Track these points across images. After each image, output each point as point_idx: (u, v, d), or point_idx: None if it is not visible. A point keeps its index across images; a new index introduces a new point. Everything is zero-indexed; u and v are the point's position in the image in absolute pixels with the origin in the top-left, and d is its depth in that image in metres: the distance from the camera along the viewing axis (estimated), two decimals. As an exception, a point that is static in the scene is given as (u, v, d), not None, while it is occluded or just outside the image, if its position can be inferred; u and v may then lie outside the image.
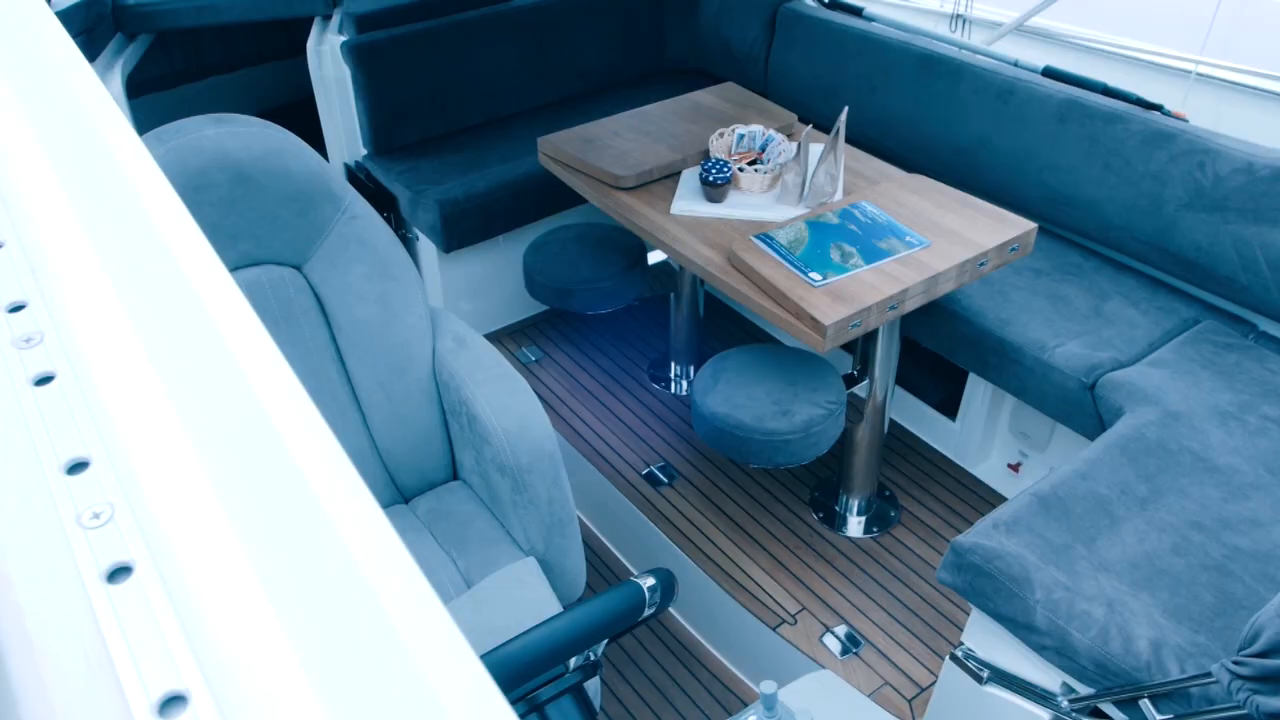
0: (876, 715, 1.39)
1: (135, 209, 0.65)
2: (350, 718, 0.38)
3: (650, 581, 1.20)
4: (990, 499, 2.78)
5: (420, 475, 2.15)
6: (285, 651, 0.40)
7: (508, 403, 1.92)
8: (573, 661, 1.24)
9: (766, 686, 1.21)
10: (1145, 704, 1.70)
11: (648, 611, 1.20)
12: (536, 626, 1.12)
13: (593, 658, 1.26)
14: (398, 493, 2.17)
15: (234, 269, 1.94)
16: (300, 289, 1.99)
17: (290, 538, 0.44)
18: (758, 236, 2.25)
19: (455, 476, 2.23)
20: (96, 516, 0.48)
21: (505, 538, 2.02)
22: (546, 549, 1.96)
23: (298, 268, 2.00)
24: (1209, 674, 1.59)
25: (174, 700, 0.40)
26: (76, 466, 0.51)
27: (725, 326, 3.43)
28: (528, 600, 1.82)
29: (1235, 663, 1.52)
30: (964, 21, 3.78)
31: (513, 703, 1.18)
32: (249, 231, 1.92)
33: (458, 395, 2.01)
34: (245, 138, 1.86)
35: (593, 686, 1.76)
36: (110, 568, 0.46)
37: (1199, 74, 4.66)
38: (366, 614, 0.41)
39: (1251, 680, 1.49)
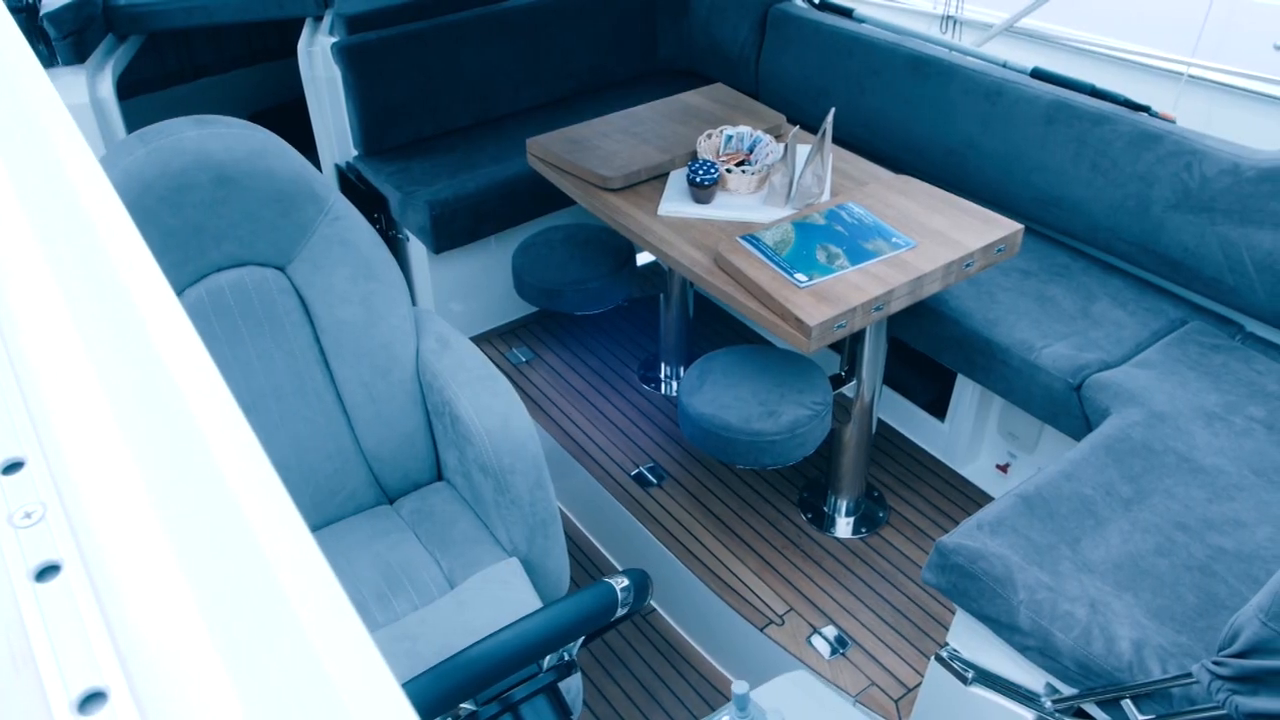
0: (851, 715, 1.39)
1: (77, 211, 0.65)
2: (266, 715, 0.38)
3: (624, 582, 1.20)
4: (979, 500, 2.78)
5: (405, 476, 2.15)
6: (207, 652, 0.40)
7: (490, 403, 1.92)
8: (546, 661, 1.24)
9: (739, 687, 1.21)
10: (1127, 704, 1.70)
11: (621, 611, 1.20)
12: (508, 626, 1.12)
13: (567, 658, 1.26)
14: (382, 493, 2.17)
15: (217, 270, 1.94)
16: (284, 290, 2.00)
17: (217, 544, 0.45)
18: (744, 238, 2.25)
19: (440, 477, 2.23)
20: (28, 516, 0.48)
21: (489, 538, 2.02)
22: (529, 549, 1.96)
23: (281, 269, 2.01)
24: (1189, 674, 1.59)
25: (94, 697, 0.40)
26: (11, 467, 0.51)
27: (715, 327, 3.44)
28: (510, 601, 1.82)
29: (1215, 663, 1.53)
30: (954, 23, 3.79)
31: (486, 702, 1.18)
32: (232, 232, 1.92)
33: (441, 396, 2.01)
34: (227, 139, 1.86)
35: (574, 686, 1.76)
36: (39, 566, 0.46)
37: (1191, 76, 4.67)
38: (286, 621, 0.41)
39: (1230, 680, 1.50)
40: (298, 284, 2.01)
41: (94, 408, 0.52)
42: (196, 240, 1.90)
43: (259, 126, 1.94)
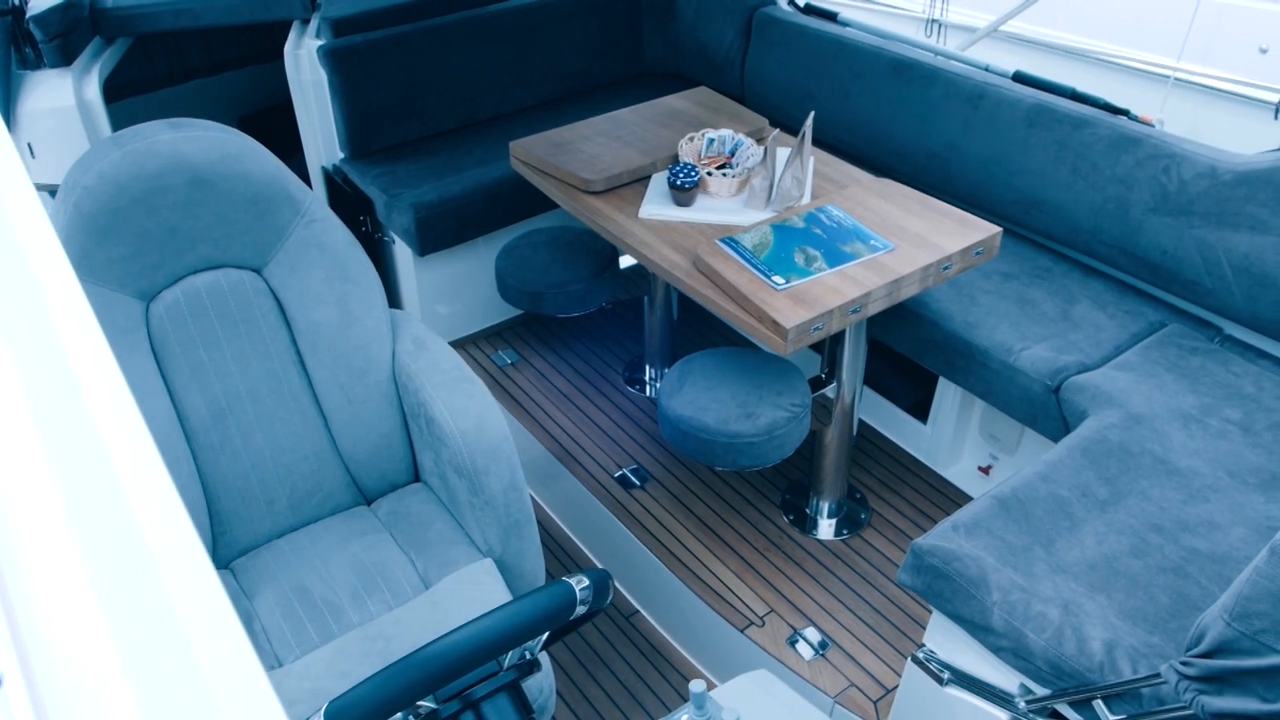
0: (810, 714, 1.40)
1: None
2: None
3: (584, 581, 1.21)
4: (960, 501, 2.79)
5: (382, 477, 2.16)
6: (106, 648, 0.41)
7: (465, 405, 1.93)
8: (507, 660, 1.25)
9: (695, 685, 1.22)
10: (1099, 704, 1.71)
11: (580, 610, 1.20)
12: (465, 625, 1.13)
13: (529, 656, 1.27)
14: (360, 494, 2.18)
15: (193, 272, 1.95)
16: (260, 292, 2.01)
17: (121, 565, 0.46)
18: (723, 240, 2.26)
19: (417, 478, 2.24)
20: None
21: (464, 539, 2.03)
22: (504, 550, 1.97)
23: (258, 271, 2.02)
24: (1158, 675, 1.60)
25: None
26: None
27: (699, 329, 3.45)
28: (483, 601, 1.83)
29: (1183, 663, 1.54)
30: (939, 26, 3.81)
31: (446, 700, 1.19)
32: (207, 235, 1.93)
33: (416, 397, 2.02)
34: (202, 142, 1.87)
35: (546, 686, 1.77)
36: None
37: (1177, 79, 4.69)
38: (178, 641, 0.42)
39: (1197, 680, 1.51)
40: (274, 286, 2.02)
41: (13, 422, 0.53)
42: (172, 242, 1.90)
43: (235, 130, 1.95)
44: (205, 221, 1.92)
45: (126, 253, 1.87)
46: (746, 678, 1.45)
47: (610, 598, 1.28)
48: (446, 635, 1.12)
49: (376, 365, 2.07)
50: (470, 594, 1.84)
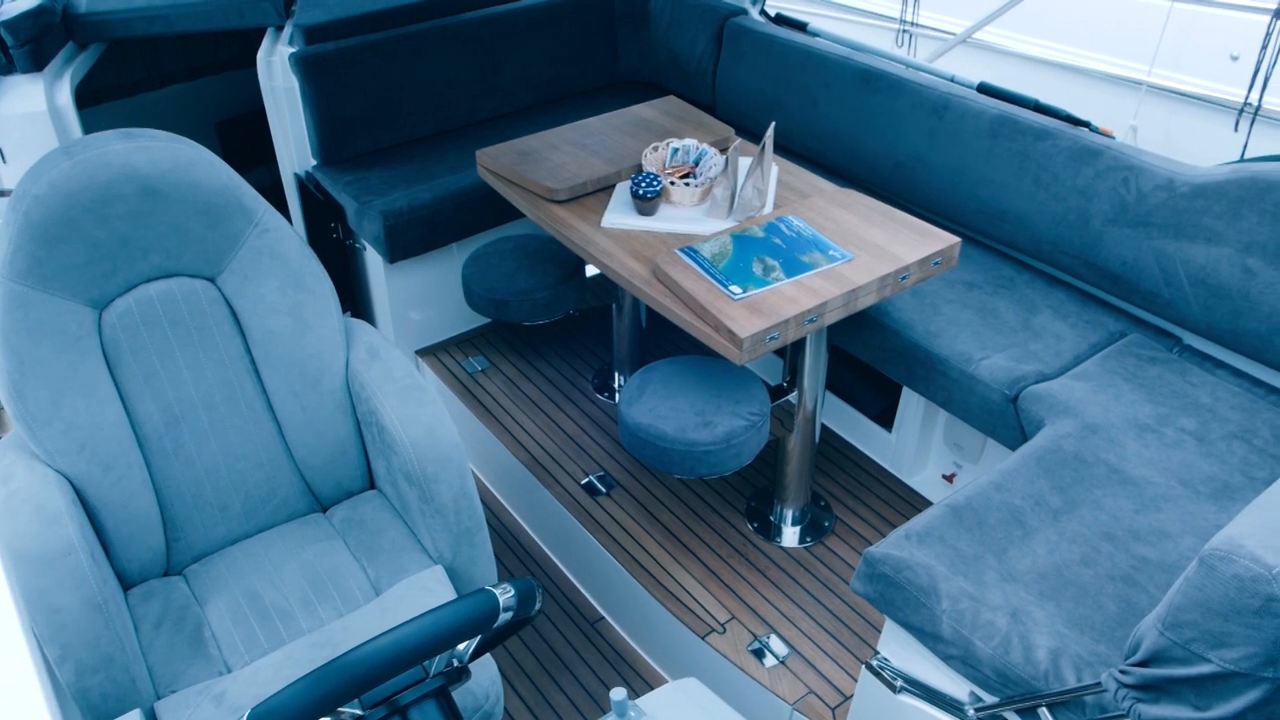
0: None
1: None
2: None
3: (508, 591, 1.22)
4: (924, 510, 2.80)
5: (337, 484, 2.17)
6: None
7: (415, 413, 1.94)
8: (434, 666, 1.26)
9: (616, 694, 1.23)
10: (1044, 712, 1.72)
11: (504, 617, 1.21)
12: (386, 632, 1.14)
13: (457, 663, 1.28)
14: (315, 501, 2.18)
15: (146, 280, 1.96)
16: (214, 300, 2.01)
17: None
18: (682, 250, 2.27)
19: (373, 485, 2.25)
20: None
21: (416, 546, 2.04)
22: (454, 557, 1.97)
23: (211, 279, 2.02)
24: (1099, 683, 1.61)
25: None
26: None
27: (669, 336, 3.46)
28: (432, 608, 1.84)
29: (1121, 672, 1.55)
30: (910, 37, 3.84)
31: (372, 705, 1.20)
32: (159, 244, 1.94)
33: (368, 405, 2.03)
34: (153, 152, 1.88)
35: (493, 694, 1.77)
36: None
37: (1150, 85, 4.73)
38: None
39: (1134, 689, 1.52)
40: (228, 295, 2.03)
41: None
42: (124, 251, 1.91)
43: (188, 140, 1.97)
44: (157, 231, 1.92)
45: (78, 261, 1.87)
46: (673, 686, 1.46)
47: (539, 606, 1.29)
48: (368, 641, 1.13)
49: (330, 373, 2.08)
50: (420, 600, 1.85)
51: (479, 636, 1.26)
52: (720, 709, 1.40)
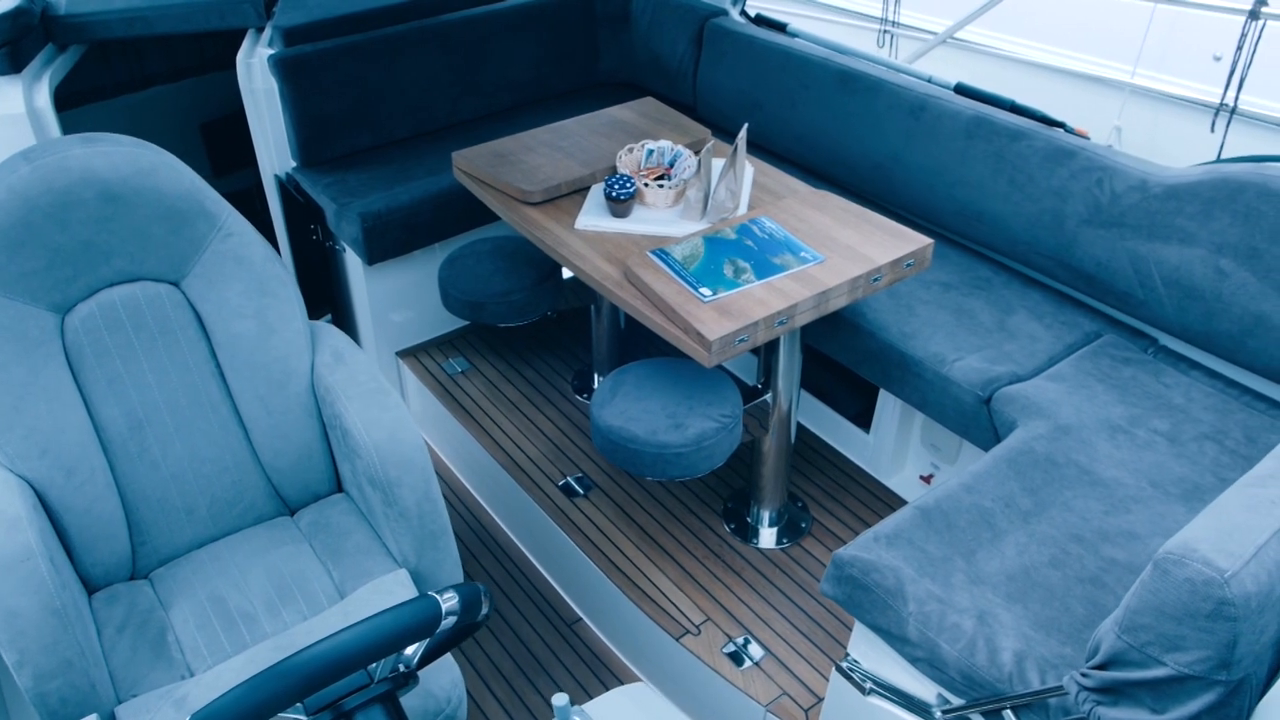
0: None
1: None
2: None
3: (451, 598, 1.22)
4: None
5: (304, 488, 2.17)
6: None
7: (378, 417, 1.93)
8: (378, 672, 1.26)
9: (558, 699, 1.22)
10: (1008, 714, 1.72)
11: (447, 622, 1.21)
12: (328, 637, 1.14)
13: (404, 668, 1.28)
14: (283, 504, 2.18)
15: (109, 285, 1.95)
16: (178, 304, 2.01)
17: None
18: (654, 252, 2.27)
19: (340, 489, 2.25)
20: None
21: (381, 549, 2.04)
22: (419, 561, 1.97)
23: (175, 284, 2.02)
24: (1061, 686, 1.61)
25: None
26: None
27: (648, 337, 3.45)
28: None
29: (1082, 674, 1.55)
30: (891, 38, 3.83)
31: (317, 711, 1.20)
32: (122, 249, 1.93)
33: (333, 409, 2.03)
34: (114, 157, 1.87)
35: (454, 696, 1.77)
36: None
37: (1134, 86, 4.74)
38: None
39: (1094, 691, 1.52)
40: (192, 299, 2.02)
41: None
42: (86, 256, 1.91)
43: (150, 144, 1.96)
44: (120, 235, 1.92)
45: (39, 266, 1.87)
46: (621, 691, 1.45)
47: (486, 611, 1.29)
48: (310, 646, 1.13)
49: (296, 377, 2.07)
50: (382, 604, 1.85)
51: (425, 642, 1.26)
52: (669, 714, 1.40)
